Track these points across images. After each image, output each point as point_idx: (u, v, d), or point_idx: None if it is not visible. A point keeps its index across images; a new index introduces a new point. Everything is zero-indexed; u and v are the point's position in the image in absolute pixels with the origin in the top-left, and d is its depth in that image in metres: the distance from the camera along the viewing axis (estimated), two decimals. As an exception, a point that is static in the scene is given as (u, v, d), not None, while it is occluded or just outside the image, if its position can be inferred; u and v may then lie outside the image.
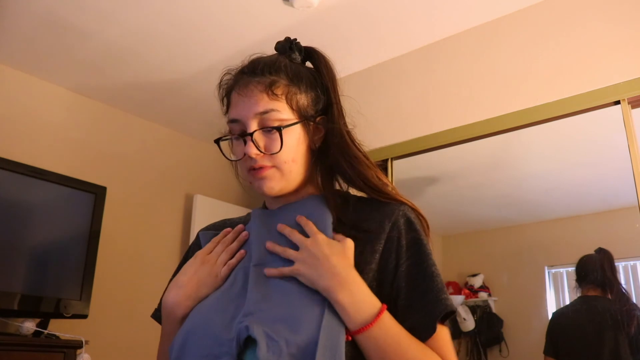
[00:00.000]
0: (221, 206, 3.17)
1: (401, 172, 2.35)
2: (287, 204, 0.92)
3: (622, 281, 1.91)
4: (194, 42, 2.42)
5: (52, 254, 2.32)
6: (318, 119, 0.91)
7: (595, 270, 1.96)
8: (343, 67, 2.63)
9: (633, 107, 1.82)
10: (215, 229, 1.01)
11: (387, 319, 0.77)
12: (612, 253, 1.93)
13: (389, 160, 2.37)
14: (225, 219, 1.05)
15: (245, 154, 0.86)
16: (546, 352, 1.97)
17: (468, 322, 2.29)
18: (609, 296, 1.93)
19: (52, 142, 2.70)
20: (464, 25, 2.29)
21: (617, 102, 1.83)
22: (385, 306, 0.78)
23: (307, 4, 2.11)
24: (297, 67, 0.93)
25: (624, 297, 1.90)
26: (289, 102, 0.88)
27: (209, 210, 3.09)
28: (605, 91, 1.86)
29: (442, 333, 0.81)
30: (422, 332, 0.79)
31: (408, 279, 0.82)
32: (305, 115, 0.89)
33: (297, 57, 0.95)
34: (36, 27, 2.29)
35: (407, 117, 2.39)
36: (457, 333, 2.31)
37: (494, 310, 2.25)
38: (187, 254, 1.01)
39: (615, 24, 1.91)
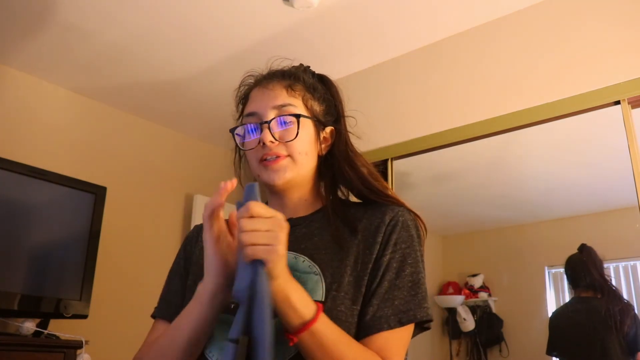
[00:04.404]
0: (221, 206, 3.17)
1: (401, 172, 2.35)
2: (294, 217, 0.94)
3: (623, 281, 1.91)
4: (194, 42, 2.42)
5: (52, 254, 2.32)
6: (327, 128, 0.98)
7: (582, 273, 1.97)
8: (343, 67, 2.65)
9: (633, 107, 1.82)
10: None
11: (324, 315, 0.78)
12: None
13: (389, 160, 2.37)
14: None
15: (259, 143, 0.90)
16: (548, 352, 1.98)
17: (468, 322, 2.29)
18: (600, 296, 1.93)
19: (52, 142, 2.70)
20: (464, 25, 2.29)
21: (617, 102, 1.83)
22: (319, 304, 0.78)
23: (307, 4, 2.11)
24: (313, 81, 1.00)
25: (616, 296, 1.91)
26: (305, 103, 0.95)
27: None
28: (605, 91, 1.86)
29: (406, 333, 0.85)
30: (388, 322, 0.82)
31: (392, 272, 0.85)
32: (318, 118, 0.96)
33: (310, 77, 1.02)
34: (36, 27, 2.29)
35: (407, 117, 2.39)
36: (457, 333, 2.31)
37: (494, 310, 2.25)
38: (182, 249, 1.03)
39: (615, 24, 1.91)
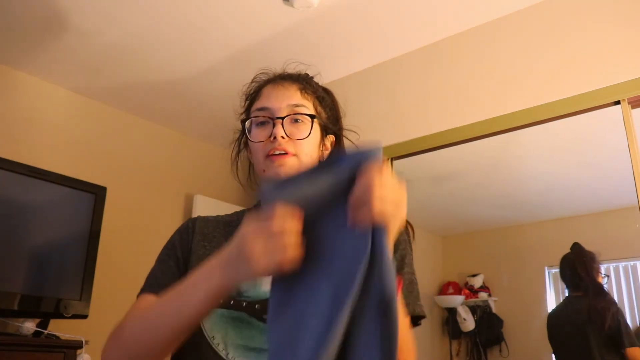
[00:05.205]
0: (221, 206, 3.17)
1: (401, 172, 2.35)
2: None
3: (623, 281, 1.91)
4: (194, 42, 2.42)
5: (52, 254, 2.32)
6: (330, 137, 1.02)
7: (570, 272, 1.98)
8: (343, 67, 2.65)
9: (633, 107, 1.82)
10: (207, 222, 1.03)
11: None
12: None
13: (389, 160, 2.37)
14: (217, 216, 1.06)
15: (270, 137, 0.92)
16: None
17: (468, 322, 2.29)
18: (587, 295, 1.94)
19: (52, 142, 2.70)
20: (464, 25, 2.29)
21: (617, 102, 1.83)
22: None
23: (307, 4, 2.11)
24: (321, 89, 1.04)
25: (600, 294, 1.91)
26: (315, 108, 0.98)
27: (209, 210, 3.08)
28: (605, 91, 1.86)
29: None
30: None
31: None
32: (325, 125, 1.00)
33: (318, 86, 1.06)
34: (36, 27, 2.29)
35: (407, 117, 2.39)
36: (457, 333, 2.31)
37: (494, 310, 2.25)
38: (178, 236, 1.00)
39: (615, 24, 1.91)
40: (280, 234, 0.66)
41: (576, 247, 1.96)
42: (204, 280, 0.73)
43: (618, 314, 1.85)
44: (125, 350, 0.80)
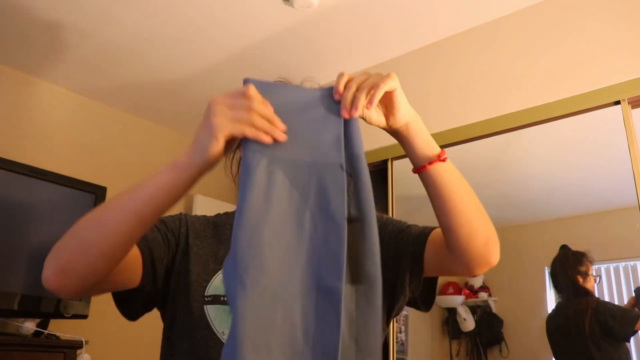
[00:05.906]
0: (221, 206, 3.17)
1: (401, 172, 2.35)
2: None
3: (623, 281, 1.91)
4: (194, 42, 2.42)
5: (52, 254, 2.32)
6: None
7: (554, 277, 1.98)
8: (343, 67, 2.65)
9: (633, 107, 1.82)
10: (197, 219, 1.06)
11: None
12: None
13: (389, 160, 2.37)
14: (203, 215, 1.08)
15: None
16: None
17: (468, 322, 2.29)
18: (570, 299, 1.95)
19: (52, 142, 2.70)
20: (464, 25, 2.29)
21: (617, 102, 1.83)
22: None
23: (307, 4, 2.11)
24: None
25: (578, 297, 1.91)
26: None
27: (208, 210, 3.08)
28: (605, 91, 1.86)
29: None
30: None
31: (392, 236, 0.98)
32: None
33: None
34: (36, 27, 2.29)
35: (407, 117, 2.39)
36: (457, 333, 2.30)
37: (494, 310, 2.24)
38: (170, 218, 1.03)
39: (615, 24, 1.91)
40: (248, 98, 0.71)
41: (562, 250, 1.96)
42: (168, 165, 0.77)
43: (597, 312, 1.84)
44: (69, 248, 0.79)
